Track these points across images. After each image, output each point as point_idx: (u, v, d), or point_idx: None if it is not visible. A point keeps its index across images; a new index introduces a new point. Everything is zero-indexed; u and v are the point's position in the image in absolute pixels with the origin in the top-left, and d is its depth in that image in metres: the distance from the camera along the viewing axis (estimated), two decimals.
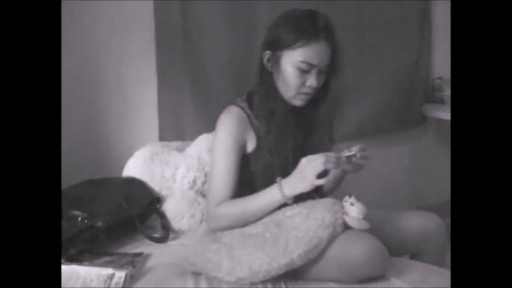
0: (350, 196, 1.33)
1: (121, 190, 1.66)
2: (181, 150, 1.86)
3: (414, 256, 1.53)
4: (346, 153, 1.34)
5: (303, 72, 1.39)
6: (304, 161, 1.32)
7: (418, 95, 2.60)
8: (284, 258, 1.24)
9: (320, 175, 1.29)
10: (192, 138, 1.92)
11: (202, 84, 2.08)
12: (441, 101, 2.55)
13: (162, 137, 2.05)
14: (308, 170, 1.29)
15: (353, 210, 1.30)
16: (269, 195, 1.36)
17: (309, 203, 1.35)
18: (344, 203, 1.32)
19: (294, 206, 1.36)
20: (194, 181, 1.76)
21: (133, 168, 1.78)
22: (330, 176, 1.32)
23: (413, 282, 1.27)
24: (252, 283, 1.26)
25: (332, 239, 1.26)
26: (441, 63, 2.61)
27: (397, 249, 1.42)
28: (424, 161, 2.74)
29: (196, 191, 1.75)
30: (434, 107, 2.55)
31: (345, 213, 1.30)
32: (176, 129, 2.06)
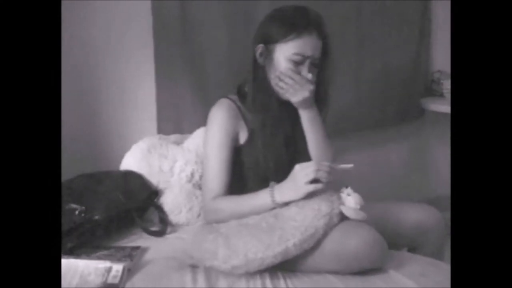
0: (347, 187, 1.33)
1: (119, 183, 1.66)
2: (179, 143, 1.85)
3: (412, 249, 1.53)
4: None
5: (296, 64, 1.42)
6: (298, 168, 1.34)
7: (418, 89, 2.60)
8: (280, 246, 1.24)
9: (314, 181, 1.31)
10: (190, 131, 1.92)
11: (200, 77, 2.07)
12: (440, 95, 2.55)
13: (160, 130, 2.04)
14: (300, 178, 1.31)
15: (350, 201, 1.31)
16: (261, 199, 1.38)
17: None
18: (341, 194, 1.33)
19: None
20: (192, 175, 1.75)
21: (131, 162, 1.77)
22: (322, 184, 1.32)
23: (412, 275, 1.26)
24: (248, 272, 1.26)
25: (328, 229, 1.26)
26: (440, 56, 2.61)
27: (395, 241, 1.42)
28: (423, 154, 2.74)
29: (194, 185, 1.75)
30: (433, 100, 2.54)
31: (342, 203, 1.31)
32: (175, 122, 2.05)
